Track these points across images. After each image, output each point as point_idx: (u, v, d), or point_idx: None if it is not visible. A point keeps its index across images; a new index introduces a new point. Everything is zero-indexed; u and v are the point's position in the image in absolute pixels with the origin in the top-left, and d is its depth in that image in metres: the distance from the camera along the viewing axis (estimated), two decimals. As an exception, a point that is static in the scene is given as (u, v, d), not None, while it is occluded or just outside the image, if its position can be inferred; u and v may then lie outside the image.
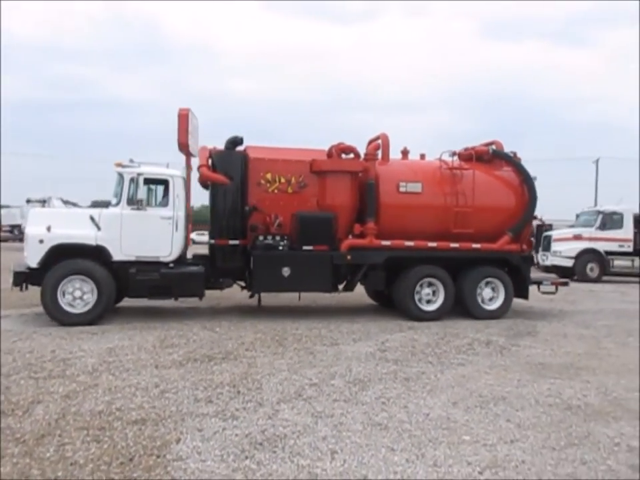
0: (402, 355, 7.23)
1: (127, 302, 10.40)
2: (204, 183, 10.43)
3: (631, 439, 4.52)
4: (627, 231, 20.13)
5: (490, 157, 10.96)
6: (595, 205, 26.45)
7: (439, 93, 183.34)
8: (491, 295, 10.46)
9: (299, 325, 9.15)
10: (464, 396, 5.54)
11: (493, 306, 10.43)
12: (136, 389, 5.49)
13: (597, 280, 19.26)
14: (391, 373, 6.34)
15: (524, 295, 10.73)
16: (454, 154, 10.96)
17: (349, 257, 9.89)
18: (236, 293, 11.16)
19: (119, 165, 9.37)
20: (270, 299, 11.73)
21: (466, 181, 10.46)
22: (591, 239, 19.86)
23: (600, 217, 20.34)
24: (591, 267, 19.56)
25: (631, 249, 20.02)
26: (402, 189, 10.12)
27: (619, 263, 19.95)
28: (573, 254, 19.77)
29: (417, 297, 10.05)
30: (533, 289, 10.96)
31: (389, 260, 10.04)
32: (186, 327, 8.67)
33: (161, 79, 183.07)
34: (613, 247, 19.87)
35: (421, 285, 10.10)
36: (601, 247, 19.71)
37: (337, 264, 9.88)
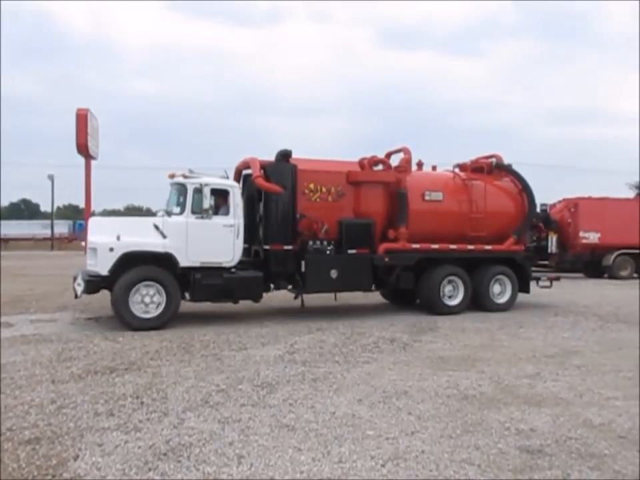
0: (310, 356, 7.34)
1: (23, 315, 9.71)
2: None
3: (519, 422, 4.88)
4: None
5: (492, 168, 12.51)
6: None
7: (340, 98, 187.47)
8: (499, 290, 11.94)
9: (206, 330, 9.02)
10: (369, 392, 5.72)
11: (502, 300, 11.91)
12: (29, 406, 5.18)
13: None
14: (299, 374, 6.41)
15: (526, 289, 12.33)
16: (457, 166, 12.74)
17: (386, 259, 10.92)
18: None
19: (181, 175, 9.83)
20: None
21: (477, 190, 11.93)
22: None
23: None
24: None
25: None
26: (427, 198, 11.43)
27: None
28: None
29: (441, 294, 11.15)
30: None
31: (417, 261, 11.13)
32: (86, 339, 8.28)
33: (55, 77, 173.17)
34: None
35: (444, 283, 11.25)
36: None
37: (375, 265, 10.82)
